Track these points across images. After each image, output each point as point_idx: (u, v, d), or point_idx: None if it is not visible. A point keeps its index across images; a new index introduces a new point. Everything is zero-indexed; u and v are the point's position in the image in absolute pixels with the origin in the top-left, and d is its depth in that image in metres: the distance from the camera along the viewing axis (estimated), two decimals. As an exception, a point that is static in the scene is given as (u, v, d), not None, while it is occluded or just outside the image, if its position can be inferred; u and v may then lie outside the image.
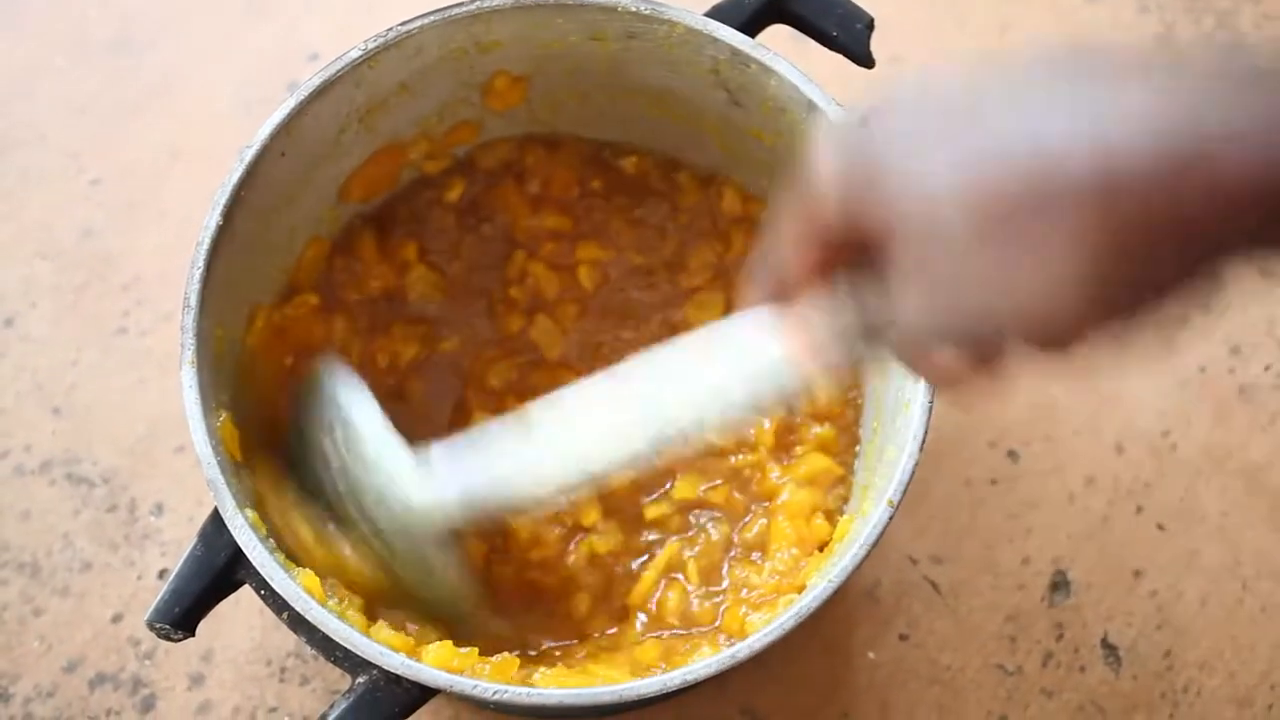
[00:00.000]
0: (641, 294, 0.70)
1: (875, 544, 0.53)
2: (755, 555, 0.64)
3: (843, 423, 0.66)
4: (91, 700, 0.68)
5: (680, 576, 0.64)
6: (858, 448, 0.66)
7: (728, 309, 0.69)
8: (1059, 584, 0.72)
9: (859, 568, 0.53)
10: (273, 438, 0.62)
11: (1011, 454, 0.74)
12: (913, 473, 0.54)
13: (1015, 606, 0.71)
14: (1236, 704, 0.70)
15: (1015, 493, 0.74)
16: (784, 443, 0.66)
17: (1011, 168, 0.34)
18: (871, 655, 0.70)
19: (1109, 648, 0.71)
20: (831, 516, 0.63)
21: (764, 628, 0.52)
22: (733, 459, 0.66)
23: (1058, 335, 0.36)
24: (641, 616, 0.63)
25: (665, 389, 0.51)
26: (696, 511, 0.66)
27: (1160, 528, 0.73)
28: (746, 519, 0.65)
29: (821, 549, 0.62)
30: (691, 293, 0.70)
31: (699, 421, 0.51)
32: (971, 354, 0.39)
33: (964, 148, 0.35)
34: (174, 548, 0.71)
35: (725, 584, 0.63)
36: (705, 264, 0.70)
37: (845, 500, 0.64)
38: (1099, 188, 0.33)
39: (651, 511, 0.65)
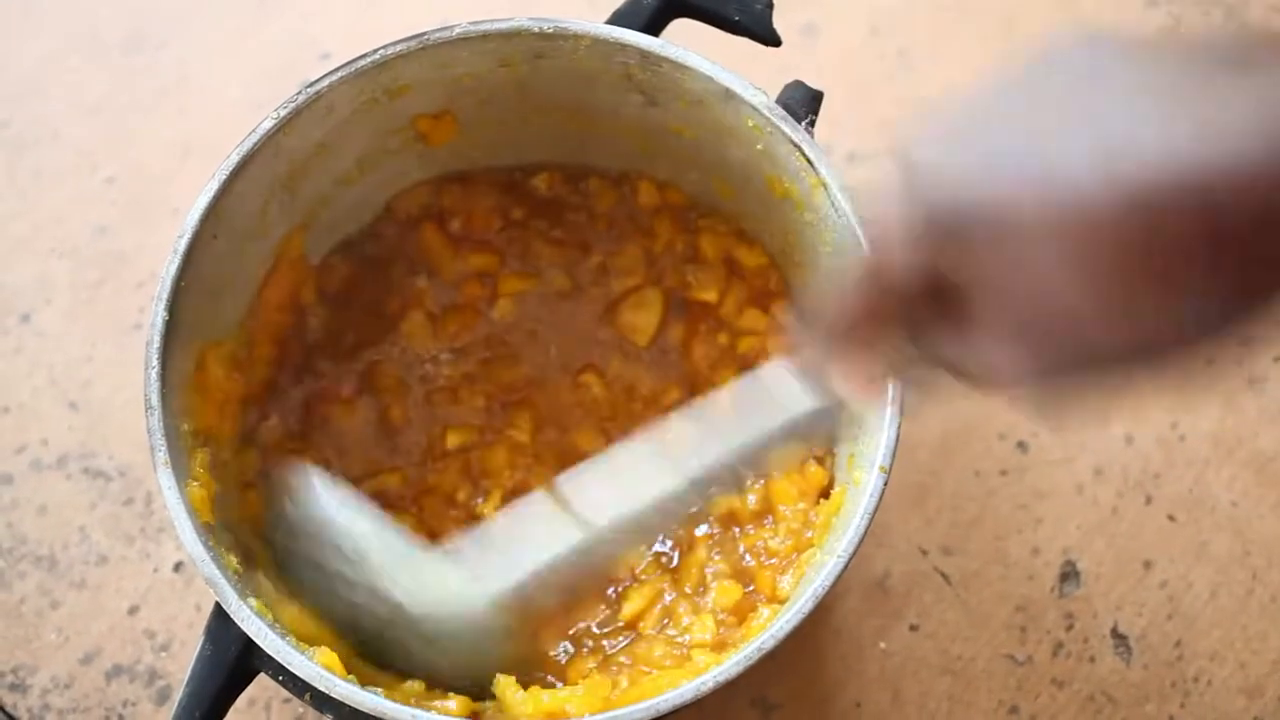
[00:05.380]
0: (575, 309, 0.71)
1: (875, 512, 0.54)
2: (767, 520, 0.64)
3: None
4: (108, 691, 0.68)
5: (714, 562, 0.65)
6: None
7: (667, 302, 0.70)
8: (1069, 574, 0.72)
9: (864, 539, 0.54)
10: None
11: (1021, 445, 0.75)
12: (898, 437, 0.55)
13: (1025, 597, 0.72)
14: (1247, 694, 0.70)
15: (1025, 484, 0.74)
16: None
17: (1103, 192, 0.32)
18: (883, 645, 0.70)
19: (1119, 638, 0.71)
20: (822, 461, 0.64)
21: (782, 615, 0.53)
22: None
23: (1154, 361, 0.35)
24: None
25: (701, 442, 0.51)
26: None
27: (1170, 518, 0.73)
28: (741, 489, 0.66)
29: (825, 495, 0.63)
30: (627, 294, 0.70)
31: (736, 464, 0.52)
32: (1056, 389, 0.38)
33: (1048, 175, 0.33)
34: (189, 541, 0.72)
35: (747, 559, 0.64)
36: (635, 262, 0.71)
37: (829, 445, 0.65)
38: (1200, 207, 0.32)
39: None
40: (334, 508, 0.58)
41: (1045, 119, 0.34)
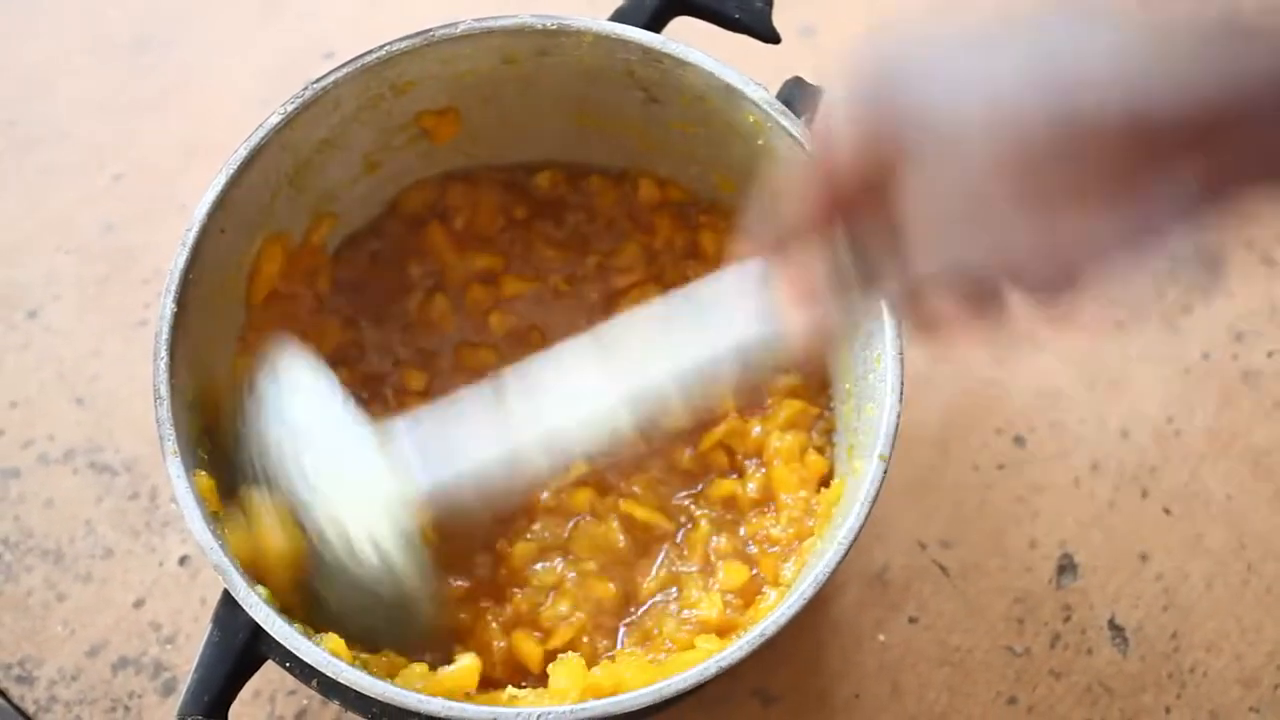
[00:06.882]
0: (572, 306, 0.71)
1: (876, 500, 0.54)
2: (769, 508, 0.65)
3: (807, 369, 0.68)
4: (114, 683, 0.69)
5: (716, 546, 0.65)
6: (830, 389, 0.67)
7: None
8: (1066, 567, 0.73)
9: (864, 526, 0.54)
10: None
11: (1018, 439, 0.75)
12: (898, 425, 0.55)
13: (1023, 589, 0.72)
14: (1243, 684, 0.71)
15: (1022, 477, 0.75)
16: (752, 399, 0.67)
17: (1039, 103, 0.35)
18: (882, 638, 0.71)
19: (1116, 629, 0.72)
20: (822, 451, 0.65)
21: (784, 602, 0.53)
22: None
23: (1058, 277, 0.38)
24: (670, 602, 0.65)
25: (647, 352, 0.50)
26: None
27: (1166, 511, 0.74)
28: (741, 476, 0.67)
29: (825, 484, 0.64)
30: (626, 290, 0.71)
31: (681, 386, 0.50)
32: (970, 297, 0.40)
33: (988, 78, 0.36)
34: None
35: (750, 546, 0.65)
36: (634, 259, 0.71)
37: (829, 433, 0.66)
38: (1125, 128, 0.34)
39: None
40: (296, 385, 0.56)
41: (998, 37, 0.37)
